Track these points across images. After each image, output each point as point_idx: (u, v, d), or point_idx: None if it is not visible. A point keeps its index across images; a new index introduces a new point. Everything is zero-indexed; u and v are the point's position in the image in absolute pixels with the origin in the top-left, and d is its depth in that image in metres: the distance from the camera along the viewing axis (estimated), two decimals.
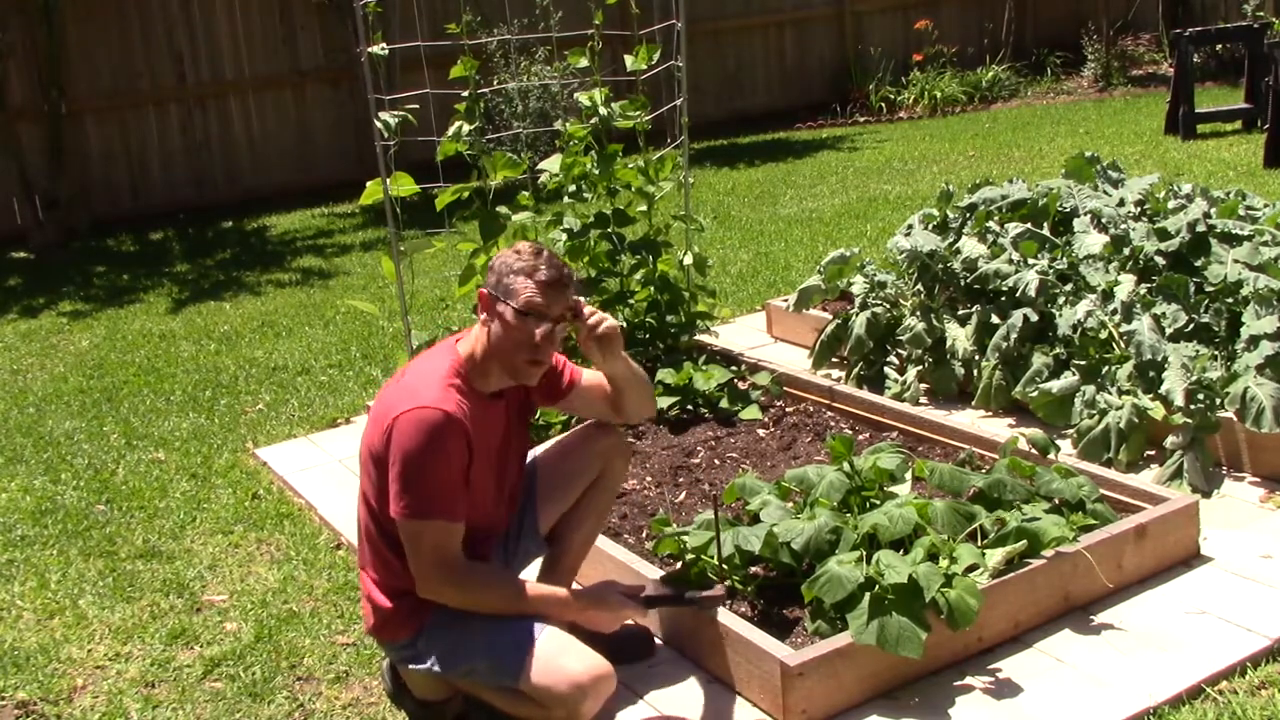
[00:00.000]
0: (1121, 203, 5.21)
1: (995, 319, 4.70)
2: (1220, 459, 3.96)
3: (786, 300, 5.71)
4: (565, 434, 3.24)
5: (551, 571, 3.14)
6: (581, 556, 3.20)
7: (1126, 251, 4.76)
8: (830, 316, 5.22)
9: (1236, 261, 4.54)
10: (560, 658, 2.66)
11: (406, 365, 3.01)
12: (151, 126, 10.87)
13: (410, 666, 2.83)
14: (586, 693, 2.63)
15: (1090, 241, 4.85)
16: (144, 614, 3.68)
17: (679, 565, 3.31)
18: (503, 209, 4.60)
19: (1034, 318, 4.57)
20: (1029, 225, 5.09)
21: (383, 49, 4.42)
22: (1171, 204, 5.15)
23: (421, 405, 2.65)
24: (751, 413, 4.58)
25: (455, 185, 4.56)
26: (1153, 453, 4.04)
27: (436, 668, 2.77)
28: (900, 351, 4.87)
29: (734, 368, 4.89)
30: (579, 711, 2.64)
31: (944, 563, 3.03)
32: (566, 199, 4.88)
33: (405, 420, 2.64)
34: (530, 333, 2.73)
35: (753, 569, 3.31)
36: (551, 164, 4.81)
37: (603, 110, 4.81)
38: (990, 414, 4.57)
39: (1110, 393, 4.17)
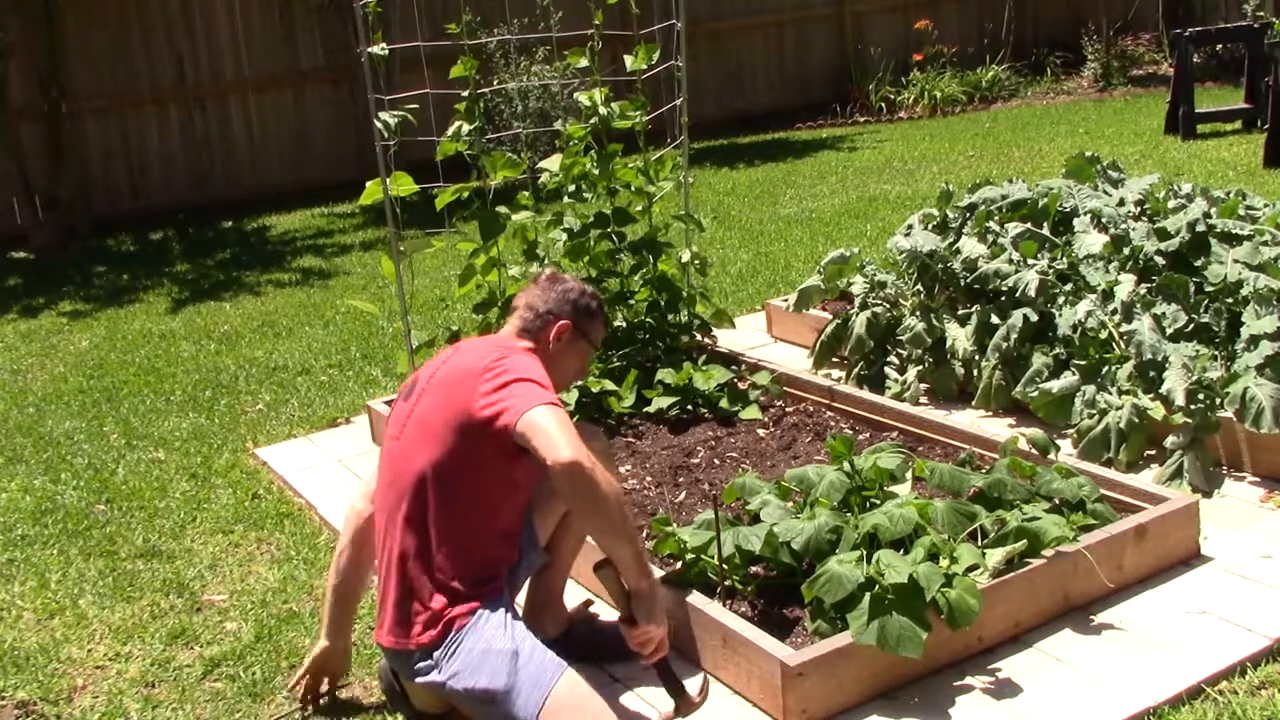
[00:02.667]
0: (1121, 203, 5.21)
1: (995, 319, 4.70)
2: (1220, 459, 3.97)
3: (786, 300, 5.71)
4: None
5: (539, 579, 3.14)
6: (569, 565, 3.20)
7: (1126, 251, 4.76)
8: (830, 316, 5.22)
9: (1236, 261, 4.54)
10: (579, 710, 2.64)
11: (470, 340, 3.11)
12: (151, 126, 10.87)
13: (419, 680, 2.76)
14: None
15: (1090, 241, 4.85)
16: (144, 614, 3.68)
17: (679, 565, 3.31)
18: (502, 209, 4.60)
19: (1034, 318, 4.57)
20: (1029, 225, 5.09)
21: (383, 49, 4.42)
22: (1171, 204, 5.15)
23: (522, 349, 2.90)
24: (751, 413, 4.58)
25: (455, 185, 4.56)
26: (1153, 453, 4.04)
27: (451, 684, 2.70)
28: (900, 351, 4.87)
29: (734, 368, 4.89)
30: None
31: (944, 563, 3.03)
32: (566, 199, 4.88)
33: (511, 349, 2.86)
34: (585, 367, 3.15)
35: (753, 569, 3.31)
36: (551, 164, 4.81)
37: (602, 110, 4.81)
38: (990, 414, 4.57)
39: (1110, 393, 4.17)
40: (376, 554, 2.89)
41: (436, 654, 2.72)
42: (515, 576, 2.95)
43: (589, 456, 2.55)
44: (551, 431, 2.57)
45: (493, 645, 2.69)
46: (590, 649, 3.14)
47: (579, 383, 4.53)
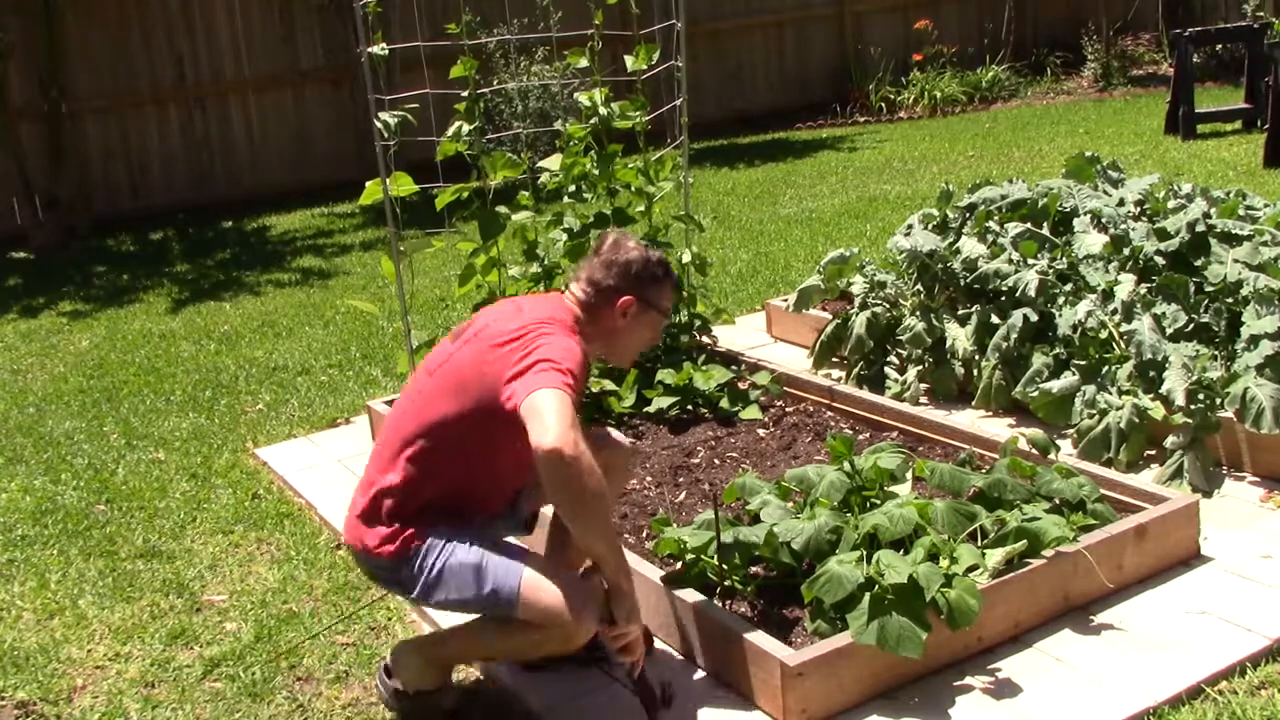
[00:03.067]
0: (1121, 203, 5.22)
1: (995, 319, 4.70)
2: (1220, 459, 3.97)
3: (786, 300, 5.71)
4: None
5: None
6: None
7: (1126, 251, 4.76)
8: (830, 316, 5.22)
9: (1236, 261, 4.54)
10: (551, 580, 2.72)
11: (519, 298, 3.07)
12: (151, 126, 10.87)
13: (385, 589, 2.88)
14: (587, 606, 2.70)
15: (1090, 241, 4.85)
16: (144, 614, 3.68)
17: (679, 565, 3.31)
18: (502, 209, 4.60)
19: (1034, 318, 4.57)
20: (1029, 225, 5.09)
21: (383, 49, 4.42)
22: (1171, 204, 5.15)
23: (568, 326, 2.85)
24: (751, 413, 4.58)
25: (455, 185, 4.56)
26: (1153, 453, 4.04)
27: (424, 604, 2.83)
28: (900, 351, 4.87)
29: (734, 368, 4.89)
30: (581, 628, 2.69)
31: (944, 563, 3.03)
32: (566, 199, 4.88)
33: (556, 324, 2.80)
34: (658, 333, 3.10)
35: (753, 569, 3.31)
36: (551, 164, 4.81)
37: (602, 110, 4.81)
38: (990, 414, 4.57)
39: (1110, 393, 4.17)
40: (373, 455, 2.94)
41: (403, 574, 2.79)
42: (489, 528, 2.95)
43: (576, 446, 2.51)
44: (545, 416, 2.54)
45: (453, 560, 2.75)
46: (591, 650, 3.14)
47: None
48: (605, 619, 2.73)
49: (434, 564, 2.77)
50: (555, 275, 4.90)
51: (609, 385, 4.62)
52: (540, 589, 2.70)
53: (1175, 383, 4.01)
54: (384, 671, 2.98)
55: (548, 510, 3.20)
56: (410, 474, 2.81)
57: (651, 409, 4.62)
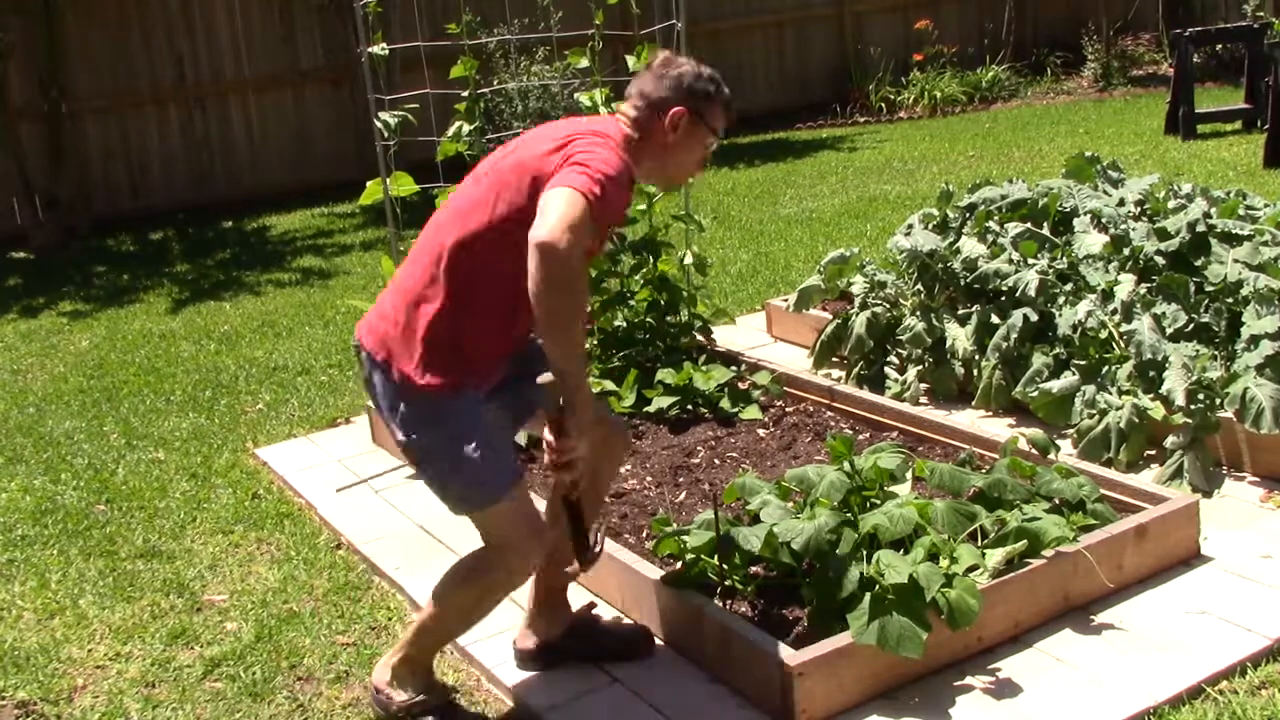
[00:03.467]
0: (1121, 203, 5.21)
1: (995, 319, 4.70)
2: (1220, 459, 3.96)
3: (786, 300, 5.71)
4: None
5: (540, 579, 3.12)
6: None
7: (1126, 251, 4.76)
8: (830, 316, 5.22)
9: (1236, 261, 4.54)
10: (529, 508, 2.78)
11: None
12: (151, 126, 10.87)
13: (369, 393, 2.85)
14: (538, 549, 2.78)
15: (1090, 241, 4.85)
16: (144, 614, 3.68)
17: (679, 565, 3.31)
18: None
19: (1034, 318, 4.57)
20: (1029, 225, 5.09)
21: (383, 49, 4.42)
22: (1171, 204, 5.15)
23: (616, 142, 2.75)
24: (751, 413, 4.58)
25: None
26: (1153, 453, 4.04)
27: (414, 447, 2.77)
28: (900, 351, 4.87)
29: (734, 368, 4.89)
30: (525, 565, 2.79)
31: (944, 563, 3.03)
32: None
33: (603, 137, 2.72)
34: (708, 151, 2.95)
35: (753, 569, 3.31)
36: None
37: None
38: (990, 414, 4.57)
39: (1110, 393, 4.17)
40: (408, 261, 2.89)
41: (404, 410, 2.74)
42: (505, 408, 2.90)
43: (570, 247, 2.45)
44: (551, 210, 2.50)
45: (463, 437, 2.72)
46: (592, 650, 3.14)
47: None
48: (555, 427, 2.64)
49: (443, 428, 2.73)
50: None
51: (609, 385, 4.62)
52: (517, 508, 2.75)
53: (1175, 383, 4.01)
54: (379, 696, 2.97)
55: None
56: (448, 289, 2.73)
57: (651, 409, 4.62)
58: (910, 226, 5.50)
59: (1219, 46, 12.51)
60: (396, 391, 2.75)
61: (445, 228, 2.81)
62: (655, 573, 3.27)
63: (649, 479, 4.12)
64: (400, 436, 2.78)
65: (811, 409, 4.64)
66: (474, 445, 2.72)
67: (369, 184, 4.49)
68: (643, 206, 5.02)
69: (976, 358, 4.66)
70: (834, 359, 5.13)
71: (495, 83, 9.99)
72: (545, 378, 2.61)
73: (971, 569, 3.05)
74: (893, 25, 13.78)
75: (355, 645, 3.39)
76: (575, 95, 5.23)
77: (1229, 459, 3.96)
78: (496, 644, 3.30)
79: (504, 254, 2.69)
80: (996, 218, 5.24)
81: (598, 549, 2.89)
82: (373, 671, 3.03)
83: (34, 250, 9.76)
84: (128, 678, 3.33)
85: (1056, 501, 3.41)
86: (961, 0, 14.16)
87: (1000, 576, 3.08)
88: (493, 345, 2.82)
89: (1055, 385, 4.30)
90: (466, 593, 2.86)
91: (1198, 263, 4.64)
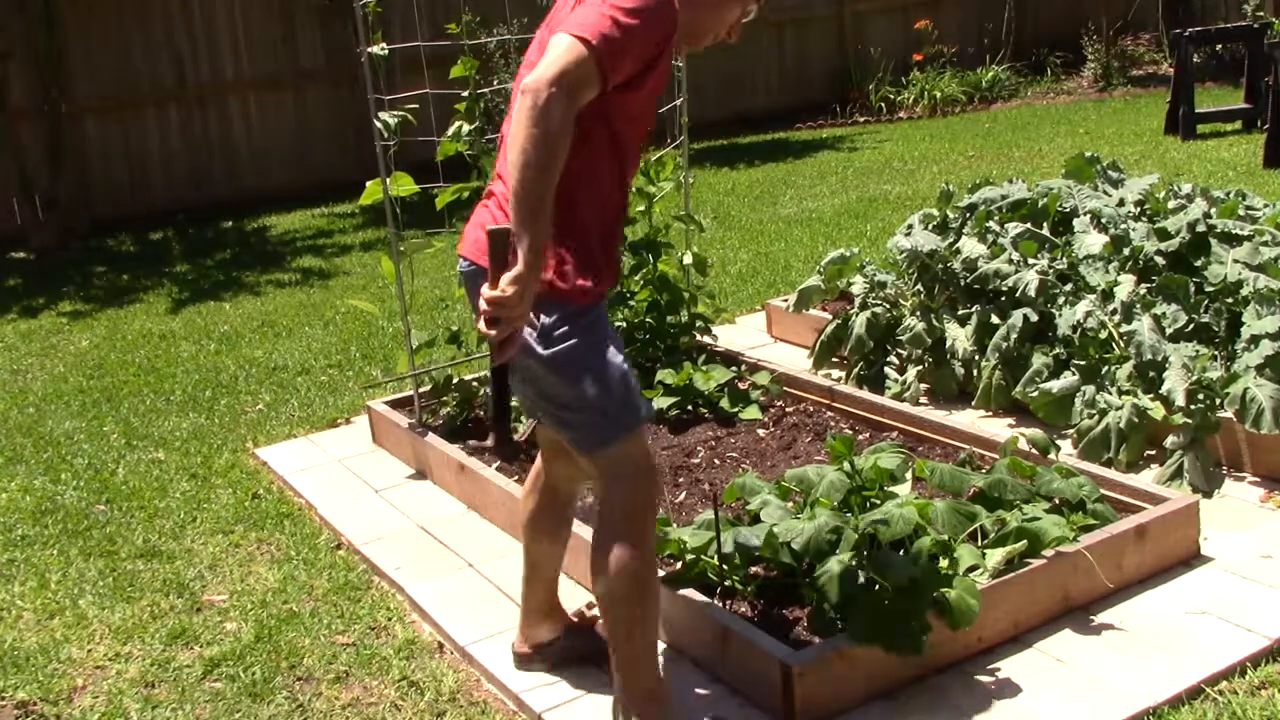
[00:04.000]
0: (1121, 203, 5.21)
1: (995, 319, 4.70)
2: (1220, 459, 3.96)
3: (786, 300, 5.71)
4: None
5: (531, 587, 3.12)
6: (557, 569, 3.18)
7: (1126, 251, 4.76)
8: (830, 316, 5.22)
9: (1236, 261, 4.54)
10: (638, 469, 2.62)
11: None
12: (151, 126, 10.87)
13: (533, 339, 2.54)
14: (656, 484, 2.67)
15: (1090, 241, 4.85)
16: (144, 614, 3.68)
17: (679, 565, 3.31)
18: None
19: (1034, 318, 4.57)
20: (1029, 225, 5.09)
21: (383, 49, 4.42)
22: (1171, 204, 5.15)
23: None
24: (751, 413, 4.58)
25: (455, 185, 4.56)
26: (1153, 453, 4.04)
27: (550, 360, 2.54)
28: (900, 351, 4.87)
29: (734, 368, 4.89)
30: (659, 489, 2.66)
31: (944, 563, 3.03)
32: None
33: None
34: (736, 17, 2.68)
35: (753, 569, 3.31)
36: None
37: None
38: (990, 414, 4.57)
39: (1110, 393, 4.17)
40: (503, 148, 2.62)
41: (540, 319, 2.53)
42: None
43: (552, 98, 2.27)
44: (549, 56, 2.33)
45: (602, 348, 2.57)
46: (590, 651, 3.14)
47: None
48: (493, 281, 2.41)
49: (583, 336, 2.56)
50: None
51: None
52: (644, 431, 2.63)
53: (1175, 383, 4.01)
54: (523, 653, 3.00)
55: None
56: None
57: None
58: (910, 227, 5.50)
59: (1219, 46, 12.52)
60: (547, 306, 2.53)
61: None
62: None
63: None
64: (542, 351, 2.55)
65: (811, 409, 4.64)
66: (620, 357, 2.59)
67: (369, 184, 4.49)
68: (642, 207, 5.02)
69: (976, 358, 4.66)
70: (834, 359, 5.13)
71: (495, 83, 9.98)
72: (499, 226, 2.44)
73: (971, 569, 3.06)
74: (893, 25, 13.78)
75: (355, 645, 3.39)
76: None
77: (1229, 459, 3.96)
78: (496, 644, 3.30)
79: (593, 132, 2.49)
80: (996, 218, 5.24)
81: (523, 439, 2.69)
82: None
83: (34, 250, 9.76)
84: (127, 678, 3.33)
85: (1056, 501, 3.41)
86: (961, 0, 14.16)
87: (1000, 576, 3.08)
88: (612, 233, 2.65)
89: (1055, 385, 4.30)
90: (633, 556, 2.61)
91: (1198, 263, 4.64)
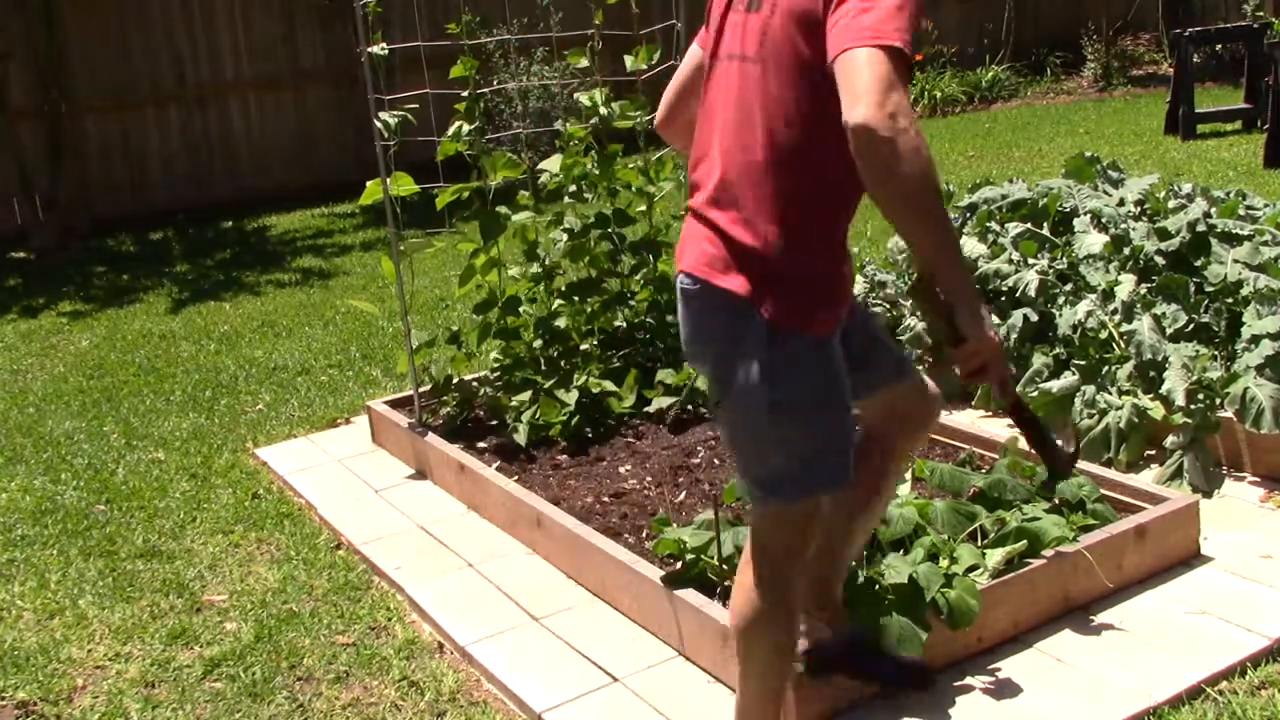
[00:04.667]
0: (1121, 203, 5.21)
1: (995, 319, 4.70)
2: (1220, 459, 3.96)
3: None
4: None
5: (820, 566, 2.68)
6: (848, 555, 2.80)
7: (1126, 251, 4.76)
8: None
9: (1236, 261, 4.54)
10: (795, 532, 2.33)
11: None
12: (151, 126, 10.86)
13: (738, 368, 2.26)
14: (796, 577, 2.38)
15: (1090, 241, 4.85)
16: (144, 614, 3.68)
17: (679, 565, 3.31)
18: (503, 209, 4.60)
19: (1034, 318, 4.57)
20: (1029, 225, 5.08)
21: (383, 49, 4.42)
22: (1171, 204, 5.15)
23: None
24: None
25: (455, 185, 4.56)
26: (1153, 453, 4.04)
27: (769, 392, 2.24)
28: None
29: None
30: (787, 598, 2.37)
31: (944, 563, 3.03)
32: (566, 199, 4.88)
33: None
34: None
35: None
36: (551, 164, 4.81)
37: (603, 110, 4.81)
38: (990, 414, 4.57)
39: (1110, 393, 4.17)
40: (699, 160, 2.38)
41: (750, 337, 2.23)
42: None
43: (892, 113, 1.98)
44: (857, 80, 2.02)
45: (815, 393, 2.27)
46: (867, 669, 2.83)
47: (580, 382, 4.53)
48: (950, 338, 2.21)
49: (816, 379, 2.28)
50: (555, 275, 4.91)
51: (609, 385, 4.62)
52: (809, 514, 2.34)
53: (1175, 383, 4.01)
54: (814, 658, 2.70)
55: None
56: (788, 183, 2.22)
57: (651, 409, 4.62)
58: None
59: (1219, 46, 12.51)
60: (761, 331, 2.24)
61: (747, 110, 2.29)
62: (655, 573, 3.27)
63: (649, 479, 4.12)
64: (766, 395, 2.25)
65: None
66: (846, 403, 2.34)
67: (369, 184, 4.49)
68: (643, 207, 5.02)
69: None
70: None
71: (495, 83, 9.99)
72: (920, 278, 2.24)
73: (971, 569, 3.06)
74: None
75: (355, 645, 3.39)
76: (575, 95, 5.23)
77: (1229, 459, 3.96)
78: (496, 644, 3.30)
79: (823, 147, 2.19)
80: (997, 218, 5.24)
81: (1072, 448, 2.58)
82: None
83: (34, 250, 9.75)
84: (127, 678, 3.33)
85: (1056, 501, 3.41)
86: (962, 0, 14.16)
87: (1000, 576, 3.08)
88: (846, 260, 2.36)
89: (1055, 385, 4.30)
90: (762, 646, 2.43)
91: (1198, 263, 4.64)
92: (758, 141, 2.25)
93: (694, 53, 2.58)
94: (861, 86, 2.02)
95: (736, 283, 2.25)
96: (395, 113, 4.38)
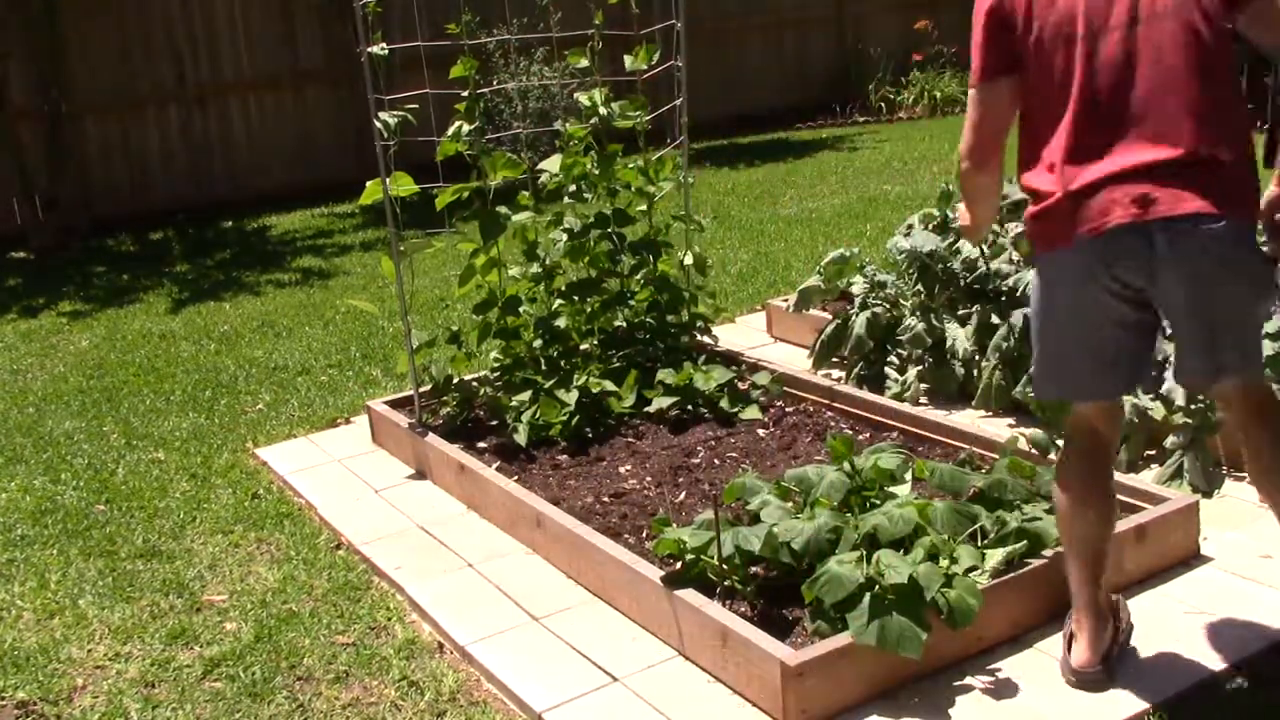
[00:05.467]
0: None
1: (995, 319, 4.70)
2: (1220, 459, 3.96)
3: (786, 300, 5.71)
4: None
5: None
6: None
7: None
8: (830, 316, 5.22)
9: None
10: None
11: None
12: (151, 126, 10.87)
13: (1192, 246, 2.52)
14: None
15: None
16: (144, 614, 3.68)
17: (679, 565, 3.31)
18: (503, 209, 4.60)
19: None
20: None
21: (383, 49, 4.42)
22: None
23: None
24: (751, 413, 4.58)
25: (455, 185, 4.56)
26: (1153, 453, 4.04)
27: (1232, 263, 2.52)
28: (900, 351, 4.87)
29: (734, 368, 4.89)
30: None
31: (944, 563, 3.03)
32: (566, 199, 4.88)
33: None
34: None
35: (753, 569, 3.31)
36: (551, 164, 4.81)
37: (603, 110, 4.81)
38: (990, 414, 4.57)
39: None
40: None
41: (1247, 249, 2.54)
42: None
43: None
44: None
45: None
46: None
47: (580, 382, 4.53)
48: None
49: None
50: (555, 275, 4.91)
51: (609, 385, 4.63)
52: None
53: (1175, 383, 4.01)
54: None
55: None
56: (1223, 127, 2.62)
57: (651, 409, 4.62)
58: (910, 227, 5.50)
59: None
60: (1237, 230, 2.58)
61: (1171, 79, 2.63)
62: (655, 573, 3.27)
63: (649, 479, 4.12)
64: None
65: (811, 409, 4.64)
66: None
67: (369, 184, 4.49)
68: (643, 207, 5.02)
69: (976, 358, 4.66)
70: (834, 359, 5.13)
71: (495, 83, 9.99)
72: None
73: (971, 569, 3.05)
74: (892, 25, 13.78)
75: (355, 645, 3.39)
76: (575, 95, 5.23)
77: (1229, 459, 3.95)
78: (496, 644, 3.30)
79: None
80: (997, 218, 5.23)
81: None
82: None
83: (34, 250, 9.75)
84: (127, 678, 3.33)
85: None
86: (962, 0, 14.14)
87: (1000, 576, 3.08)
88: None
89: None
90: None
91: None
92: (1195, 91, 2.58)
93: (1002, 87, 2.82)
94: None
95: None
96: (395, 113, 4.38)
